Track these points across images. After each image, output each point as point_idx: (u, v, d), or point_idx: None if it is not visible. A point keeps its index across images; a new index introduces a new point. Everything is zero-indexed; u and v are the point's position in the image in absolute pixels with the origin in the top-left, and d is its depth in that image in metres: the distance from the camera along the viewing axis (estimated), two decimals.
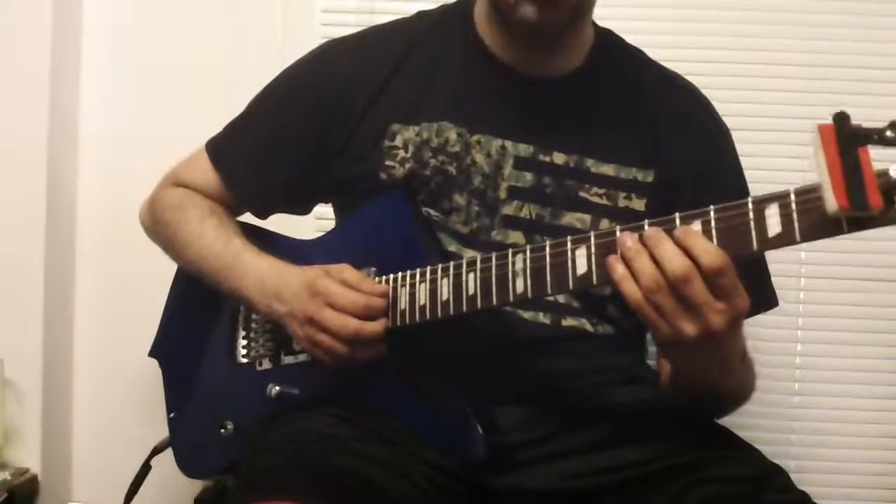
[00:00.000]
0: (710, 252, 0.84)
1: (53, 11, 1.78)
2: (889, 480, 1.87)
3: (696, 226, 0.86)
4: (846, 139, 0.77)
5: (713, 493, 0.99)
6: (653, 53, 1.30)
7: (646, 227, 0.89)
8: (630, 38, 1.30)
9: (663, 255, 0.86)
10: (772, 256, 1.24)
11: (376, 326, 1.09)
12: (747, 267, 1.19)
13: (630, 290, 0.88)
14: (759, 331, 1.28)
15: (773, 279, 1.26)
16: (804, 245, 1.99)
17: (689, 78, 1.30)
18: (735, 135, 1.29)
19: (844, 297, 1.85)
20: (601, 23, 1.27)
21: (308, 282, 1.12)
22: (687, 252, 0.85)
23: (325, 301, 1.09)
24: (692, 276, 0.85)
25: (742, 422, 1.64)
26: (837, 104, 0.79)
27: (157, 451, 1.48)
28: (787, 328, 1.84)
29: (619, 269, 0.89)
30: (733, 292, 0.87)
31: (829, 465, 1.87)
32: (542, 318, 1.16)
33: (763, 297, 1.23)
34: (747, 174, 1.26)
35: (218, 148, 1.33)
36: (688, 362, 0.97)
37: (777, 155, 1.78)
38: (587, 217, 1.16)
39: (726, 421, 1.18)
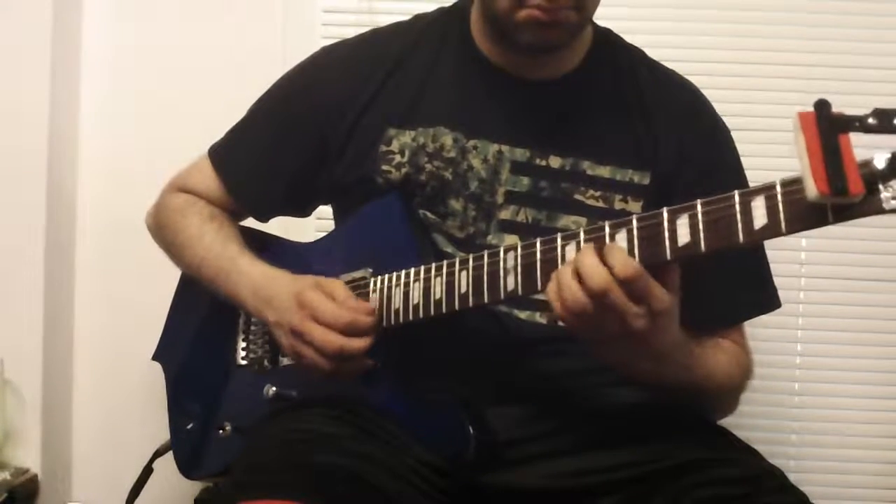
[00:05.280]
0: (623, 262, 0.88)
1: (53, 12, 1.79)
2: (889, 480, 1.87)
3: (684, 219, 0.87)
4: (826, 126, 0.77)
5: (710, 495, 0.99)
6: (653, 53, 1.29)
7: (634, 222, 0.90)
8: (630, 38, 1.30)
9: (583, 269, 0.89)
10: (772, 257, 1.24)
11: (360, 344, 1.08)
12: (748, 267, 1.20)
13: (555, 305, 0.92)
14: (759, 331, 1.28)
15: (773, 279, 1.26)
16: (804, 245, 2.01)
17: (688, 78, 1.30)
18: (735, 135, 1.28)
19: (844, 297, 1.85)
20: (601, 23, 1.27)
21: (296, 293, 1.12)
22: (605, 264, 0.88)
23: (311, 314, 1.09)
24: (610, 287, 0.88)
25: (742, 422, 1.64)
26: (837, 104, 0.79)
27: (158, 453, 1.49)
28: (787, 328, 1.85)
29: (551, 287, 0.92)
30: (647, 295, 0.90)
31: (828, 465, 1.87)
32: (539, 318, 1.16)
33: (765, 299, 1.23)
34: (748, 175, 1.26)
35: (219, 154, 1.34)
36: (614, 359, 1.00)
37: (777, 155, 1.78)
38: (583, 220, 1.16)
39: (726, 421, 1.18)
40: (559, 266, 0.93)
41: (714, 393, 1.13)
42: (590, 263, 0.89)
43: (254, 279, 1.19)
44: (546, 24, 1.09)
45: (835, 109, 0.78)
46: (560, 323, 0.94)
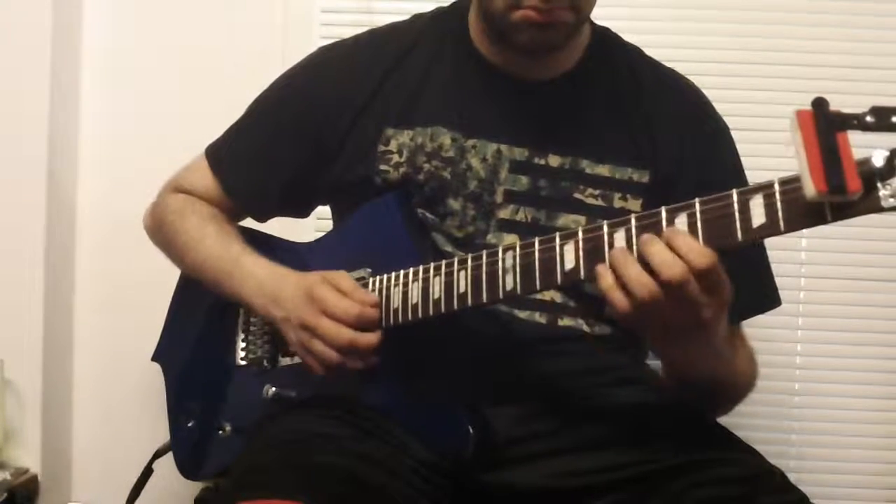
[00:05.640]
0: (699, 252, 0.85)
1: (53, 11, 1.79)
2: (889, 480, 1.87)
3: (682, 219, 0.86)
4: (824, 124, 0.77)
5: (709, 495, 0.99)
6: (653, 53, 1.29)
7: (632, 221, 0.89)
8: (630, 38, 1.30)
9: (659, 261, 0.85)
10: (772, 256, 1.24)
11: (371, 338, 1.09)
12: (749, 266, 1.20)
13: (618, 299, 0.88)
14: (759, 331, 1.28)
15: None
16: (804, 245, 2.01)
17: (688, 78, 1.30)
18: (735, 135, 1.28)
19: (844, 297, 1.85)
20: (601, 23, 1.27)
21: (305, 288, 1.12)
22: (678, 254, 0.85)
23: (321, 308, 1.09)
24: (689, 278, 0.85)
25: (742, 422, 1.64)
26: (838, 104, 0.79)
27: (159, 454, 1.49)
28: (787, 328, 1.85)
29: (607, 279, 0.89)
30: (722, 285, 0.89)
31: (829, 465, 1.87)
32: (539, 317, 1.16)
33: (766, 296, 1.23)
34: (748, 174, 1.25)
35: (217, 154, 1.34)
36: (681, 354, 1.00)
37: (777, 155, 1.77)
38: (582, 219, 1.16)
39: (726, 421, 1.18)
40: (612, 256, 0.89)
41: (740, 388, 1.14)
42: (661, 254, 0.85)
43: (259, 278, 1.19)
44: (541, 24, 1.09)
45: (832, 108, 0.78)
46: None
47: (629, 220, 0.90)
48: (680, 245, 0.85)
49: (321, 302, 1.09)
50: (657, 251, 0.86)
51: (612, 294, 0.88)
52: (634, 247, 0.88)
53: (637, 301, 0.87)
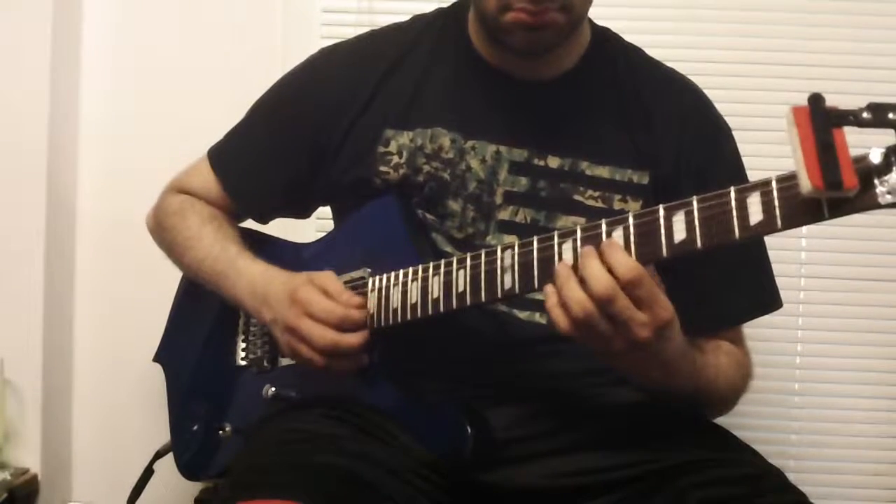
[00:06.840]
0: (624, 264, 0.88)
1: (53, 11, 1.79)
2: (889, 480, 1.87)
3: (680, 216, 0.87)
4: (820, 120, 0.77)
5: (709, 495, 0.99)
6: (653, 53, 1.29)
7: (630, 220, 0.90)
8: (630, 38, 1.30)
9: (589, 275, 0.88)
10: (772, 256, 1.24)
11: (354, 339, 1.09)
12: (749, 268, 1.19)
13: (558, 316, 0.91)
14: (759, 331, 1.28)
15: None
16: (804, 245, 2.00)
17: (689, 77, 1.30)
18: (734, 135, 1.28)
19: (844, 297, 1.85)
20: (601, 23, 1.27)
21: (290, 290, 1.12)
22: (608, 268, 0.88)
23: (304, 310, 1.09)
24: (616, 293, 0.88)
25: (742, 422, 1.64)
26: (838, 103, 0.79)
27: (159, 455, 1.49)
28: (787, 328, 1.85)
29: (551, 298, 0.91)
30: (652, 302, 0.90)
31: (829, 465, 1.87)
32: (538, 318, 1.16)
33: (765, 299, 1.22)
34: (749, 174, 1.25)
35: (218, 155, 1.34)
36: (625, 369, 1.02)
37: (777, 155, 1.77)
38: (582, 220, 1.15)
39: (725, 421, 1.18)
40: (556, 273, 0.92)
41: (717, 397, 1.14)
42: (594, 268, 0.88)
43: (252, 279, 1.19)
44: (532, 26, 1.09)
45: (829, 104, 0.78)
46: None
47: (627, 219, 0.90)
48: (608, 256, 0.88)
49: (305, 304, 1.10)
50: (589, 265, 0.89)
51: (553, 312, 0.91)
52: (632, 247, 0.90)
53: (574, 319, 0.89)
